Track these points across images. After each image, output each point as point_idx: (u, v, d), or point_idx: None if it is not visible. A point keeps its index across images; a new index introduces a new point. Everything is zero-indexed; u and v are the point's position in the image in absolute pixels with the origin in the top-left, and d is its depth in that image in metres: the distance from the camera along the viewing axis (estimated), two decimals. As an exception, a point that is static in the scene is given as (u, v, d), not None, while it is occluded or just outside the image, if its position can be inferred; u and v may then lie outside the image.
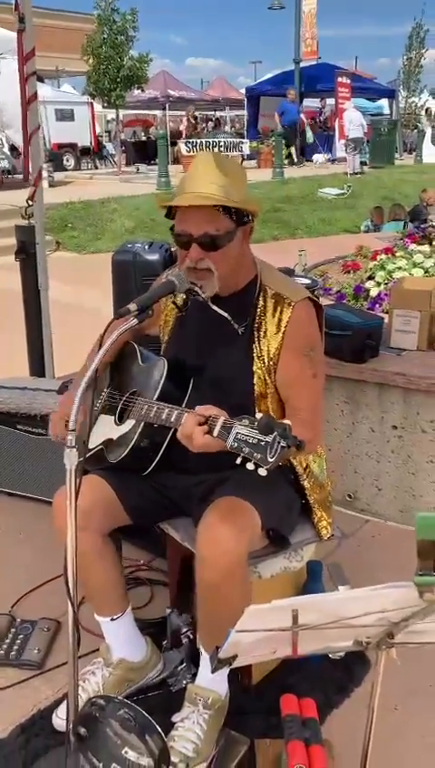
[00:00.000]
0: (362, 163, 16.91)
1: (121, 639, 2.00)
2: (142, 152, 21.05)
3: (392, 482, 2.96)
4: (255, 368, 1.83)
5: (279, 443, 1.43)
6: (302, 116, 19.24)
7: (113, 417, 2.00)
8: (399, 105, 23.36)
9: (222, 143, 15.46)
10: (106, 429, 1.99)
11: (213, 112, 28.45)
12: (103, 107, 21.09)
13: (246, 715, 1.96)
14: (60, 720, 1.93)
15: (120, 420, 1.97)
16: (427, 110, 26.54)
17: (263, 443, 1.43)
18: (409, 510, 2.95)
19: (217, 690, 1.84)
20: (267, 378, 1.83)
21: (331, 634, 1.15)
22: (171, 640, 2.14)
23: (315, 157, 19.35)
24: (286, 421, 1.46)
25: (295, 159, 18.57)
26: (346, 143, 16.94)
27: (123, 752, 1.54)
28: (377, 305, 3.57)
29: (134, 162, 19.74)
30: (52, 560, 2.69)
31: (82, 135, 19.78)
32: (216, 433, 1.53)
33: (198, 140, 15.80)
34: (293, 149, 18.62)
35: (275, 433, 1.43)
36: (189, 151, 15.71)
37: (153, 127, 26.52)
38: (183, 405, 1.84)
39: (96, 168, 20.31)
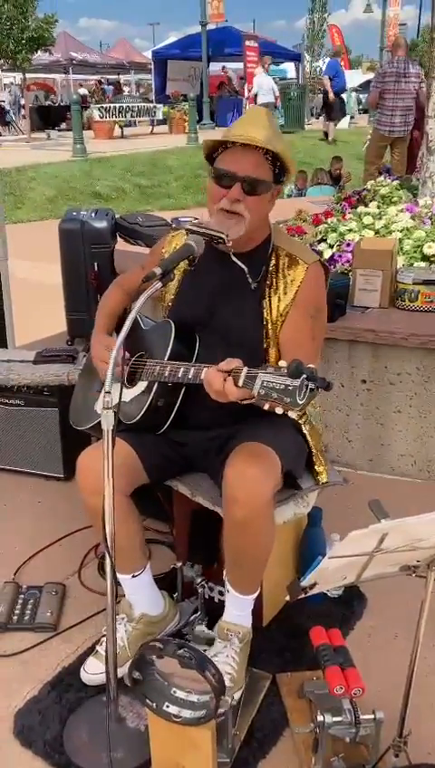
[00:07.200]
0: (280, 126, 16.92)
1: (142, 595, 2.07)
2: (46, 118, 20.40)
3: (361, 433, 3.13)
4: (265, 322, 1.92)
5: (307, 385, 1.50)
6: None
7: (120, 380, 2.05)
8: (304, 69, 23.56)
9: (135, 108, 15.21)
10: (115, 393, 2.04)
11: (117, 76, 27.80)
12: (3, 70, 20.25)
13: (261, 654, 2.08)
14: (89, 675, 2.00)
15: (131, 383, 2.03)
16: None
17: (291, 387, 1.48)
18: (377, 459, 3.14)
19: (245, 624, 1.95)
20: (272, 333, 1.93)
21: (393, 558, 1.27)
22: (183, 591, 2.23)
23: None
24: (312, 365, 1.54)
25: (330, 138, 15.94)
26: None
27: (172, 691, 1.64)
28: (331, 267, 3.71)
29: (39, 128, 19.14)
30: (43, 527, 2.75)
31: (-17, 100, 19.01)
32: (241, 383, 1.58)
33: (111, 105, 15.47)
34: (331, 124, 16.03)
35: (304, 376, 1.49)
36: (102, 117, 15.39)
37: (54, 93, 25.72)
38: (193, 362, 1.91)
39: (-1, 134, 19.57)
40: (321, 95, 22.77)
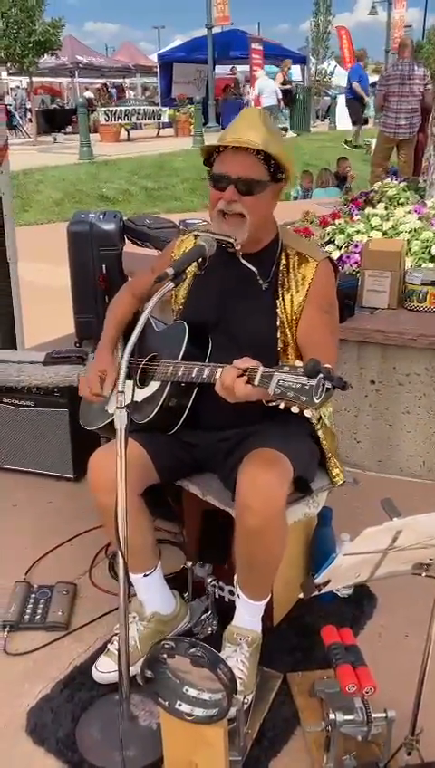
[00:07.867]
0: (284, 129, 16.81)
1: (154, 594, 2.08)
2: (52, 121, 20.47)
3: (370, 434, 3.14)
4: (278, 322, 1.93)
5: (324, 384, 1.50)
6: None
7: (132, 380, 2.06)
8: (309, 71, 23.56)
9: (141, 111, 15.24)
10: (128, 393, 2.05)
11: (122, 79, 27.87)
12: (9, 74, 20.31)
13: (273, 653, 2.09)
14: (101, 674, 2.01)
15: (143, 383, 2.04)
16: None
17: (307, 386, 1.48)
18: (386, 459, 3.14)
19: (255, 629, 1.96)
20: (289, 332, 1.94)
21: (406, 556, 1.28)
22: (194, 591, 2.24)
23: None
24: (329, 365, 1.54)
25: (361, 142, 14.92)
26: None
27: (184, 690, 1.65)
28: (339, 267, 3.71)
29: (44, 131, 19.20)
30: (53, 527, 2.76)
31: (-11, 103, 19.05)
32: (256, 382, 1.58)
33: (117, 108, 15.52)
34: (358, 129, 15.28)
35: (321, 375, 1.49)
36: (108, 120, 15.45)
37: (60, 96, 25.83)
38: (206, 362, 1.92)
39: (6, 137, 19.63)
40: (327, 98, 22.84)
